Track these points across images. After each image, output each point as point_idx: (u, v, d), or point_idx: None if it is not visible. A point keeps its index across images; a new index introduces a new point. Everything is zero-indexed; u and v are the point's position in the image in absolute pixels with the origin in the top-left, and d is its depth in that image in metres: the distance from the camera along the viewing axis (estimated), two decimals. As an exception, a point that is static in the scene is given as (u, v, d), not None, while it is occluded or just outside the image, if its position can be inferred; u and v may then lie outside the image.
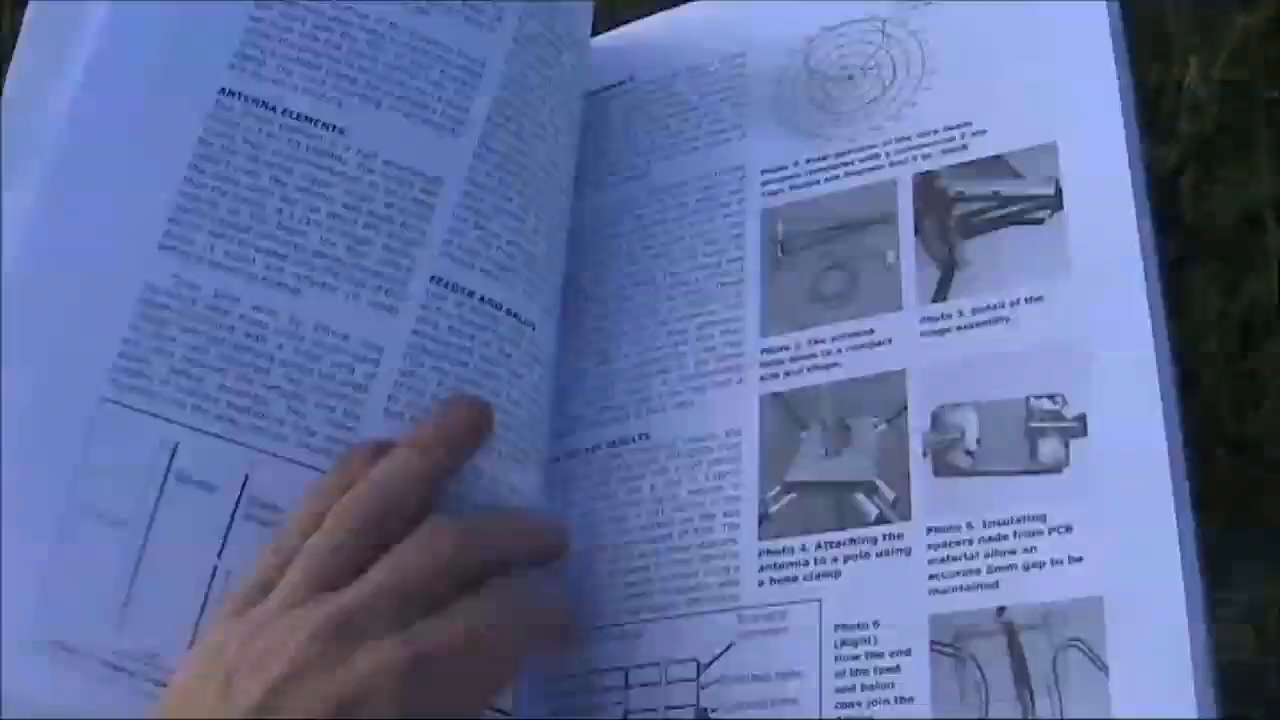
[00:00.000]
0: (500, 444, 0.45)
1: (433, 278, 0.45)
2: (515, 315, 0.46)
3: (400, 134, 0.45)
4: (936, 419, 0.43)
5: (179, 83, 0.45)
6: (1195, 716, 0.37)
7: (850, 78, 0.50)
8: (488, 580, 0.41)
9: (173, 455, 0.42)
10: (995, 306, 0.44)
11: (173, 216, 0.44)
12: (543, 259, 0.48)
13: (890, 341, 0.45)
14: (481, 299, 0.45)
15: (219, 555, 0.42)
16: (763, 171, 0.50)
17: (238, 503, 0.42)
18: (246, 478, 0.42)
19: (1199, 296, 0.51)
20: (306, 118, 0.45)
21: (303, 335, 0.43)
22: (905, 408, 0.44)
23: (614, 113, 0.54)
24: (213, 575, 0.42)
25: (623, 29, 0.55)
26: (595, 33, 0.54)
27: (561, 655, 0.45)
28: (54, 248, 0.44)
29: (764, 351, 0.47)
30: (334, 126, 0.45)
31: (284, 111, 0.45)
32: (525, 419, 0.46)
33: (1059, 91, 0.46)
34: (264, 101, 0.45)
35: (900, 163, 0.47)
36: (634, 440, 0.48)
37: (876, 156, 0.48)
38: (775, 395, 0.46)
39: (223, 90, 0.45)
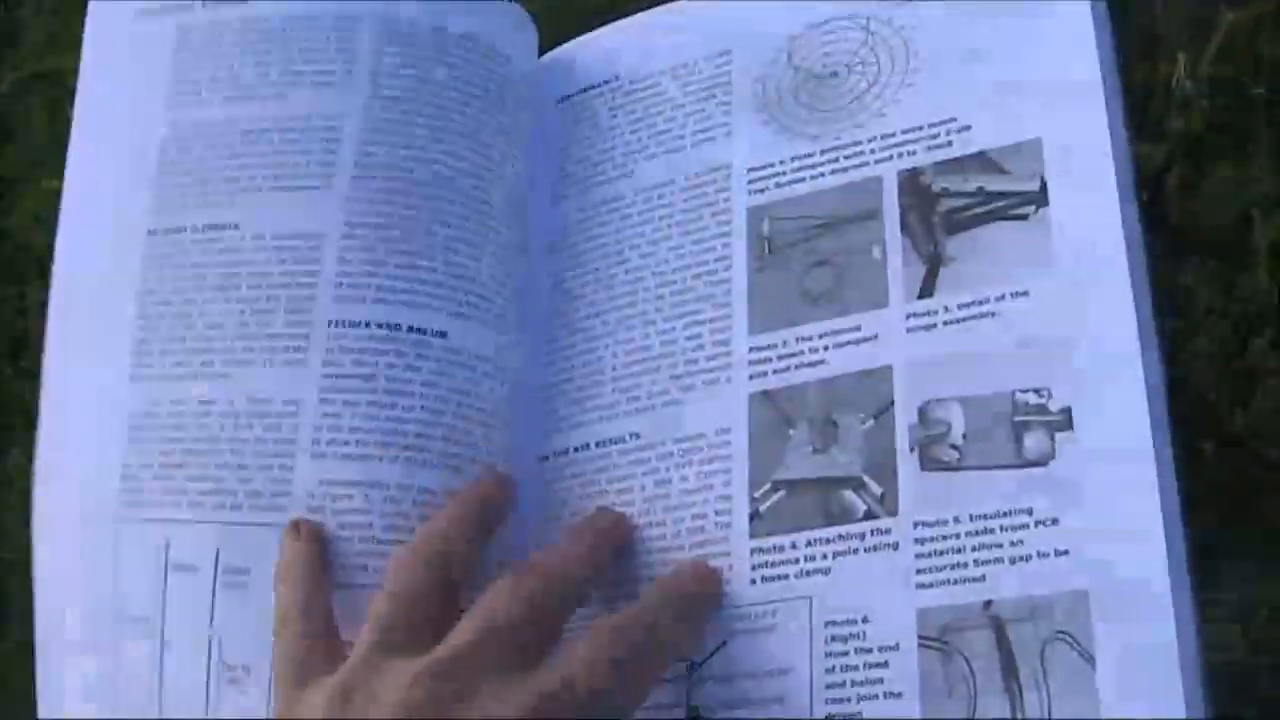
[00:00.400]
0: (427, 454, 0.47)
1: (330, 322, 0.48)
2: (418, 330, 0.48)
3: (280, 208, 0.50)
4: (922, 414, 0.43)
5: (123, 233, 0.51)
6: (1184, 716, 0.37)
7: (835, 75, 0.50)
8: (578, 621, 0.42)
9: (167, 550, 0.47)
10: (980, 302, 0.44)
11: (134, 350, 0.49)
12: (450, 270, 0.50)
13: (876, 338, 0.45)
14: (378, 325, 0.48)
15: (210, 625, 0.46)
16: (749, 170, 0.50)
17: (215, 575, 0.47)
18: (218, 551, 0.47)
19: (1189, 294, 0.51)
20: (209, 226, 0.50)
21: (239, 411, 0.48)
22: (891, 403, 0.44)
23: (600, 112, 0.54)
24: (209, 645, 0.46)
25: (609, 27, 0.55)
26: (593, 28, 0.55)
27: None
28: (69, 398, 0.51)
29: (752, 350, 0.47)
30: (230, 224, 0.50)
31: (191, 229, 0.50)
32: (460, 423, 0.48)
33: (1043, 87, 0.46)
34: (177, 228, 0.50)
35: (885, 160, 0.47)
36: (624, 440, 0.48)
37: (861, 154, 0.48)
38: (764, 394, 0.46)
39: (149, 231, 0.51)
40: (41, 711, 0.48)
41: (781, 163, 0.49)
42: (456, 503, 0.46)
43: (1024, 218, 0.44)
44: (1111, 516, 0.39)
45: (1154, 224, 0.52)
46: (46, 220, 0.68)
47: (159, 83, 0.52)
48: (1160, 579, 0.38)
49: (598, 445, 0.48)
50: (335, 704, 0.38)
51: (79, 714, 0.48)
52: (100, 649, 0.47)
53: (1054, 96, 0.45)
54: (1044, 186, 0.44)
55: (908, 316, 0.45)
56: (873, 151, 0.48)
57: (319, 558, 0.45)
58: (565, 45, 0.56)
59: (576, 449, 0.49)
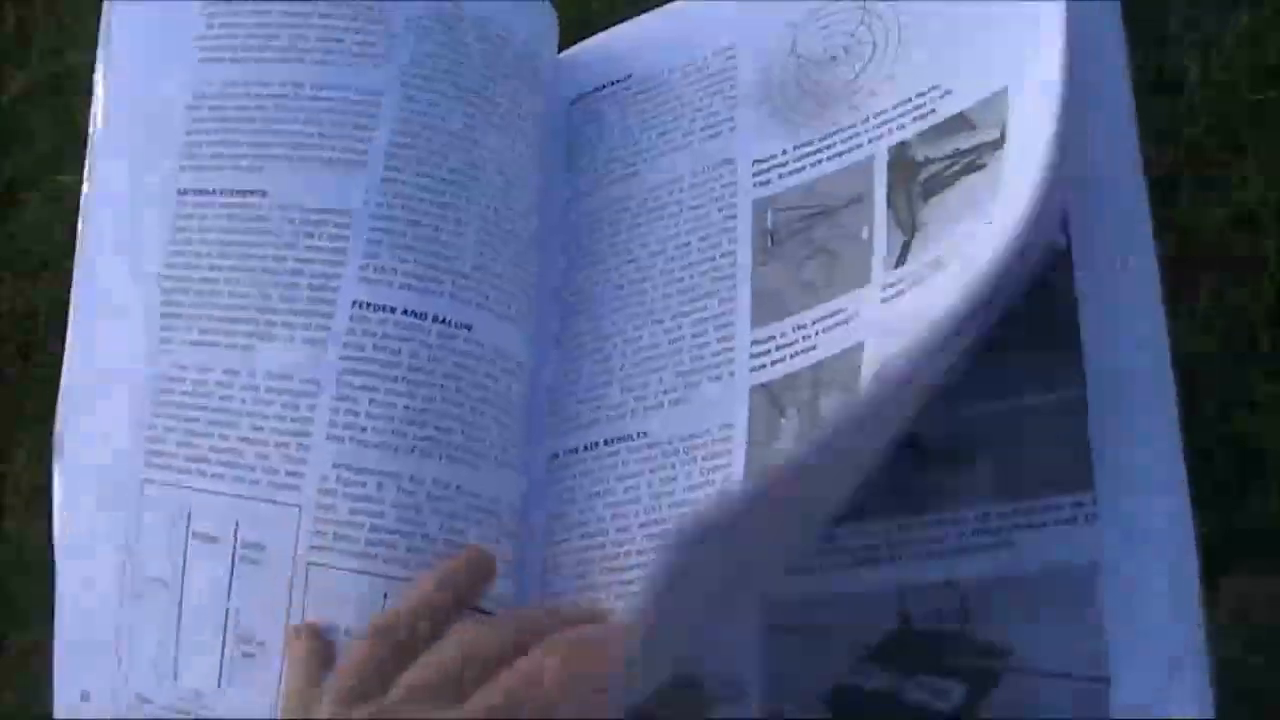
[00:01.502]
0: (444, 446, 0.47)
1: (354, 303, 0.48)
2: (443, 321, 0.48)
3: (311, 180, 0.49)
4: None
5: (153, 191, 0.50)
6: (1197, 717, 0.37)
7: (834, 59, 0.50)
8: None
9: (189, 517, 0.47)
10: (938, 256, 0.43)
11: (162, 313, 0.49)
12: (477, 263, 0.50)
13: (857, 315, 0.45)
14: (404, 312, 0.48)
15: (228, 598, 0.46)
16: (754, 162, 0.50)
17: (234, 548, 0.47)
18: (237, 524, 0.47)
19: (1197, 295, 0.51)
20: (236, 191, 0.50)
21: (258, 385, 0.48)
22: (860, 377, 0.43)
23: (610, 112, 0.54)
24: (226, 616, 0.46)
25: (623, 25, 0.55)
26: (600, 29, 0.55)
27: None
28: (96, 359, 0.50)
29: (754, 343, 0.47)
30: (258, 191, 0.49)
31: (219, 192, 0.50)
32: (479, 419, 0.48)
33: (1013, 36, 0.44)
34: (205, 189, 0.50)
35: (877, 138, 0.47)
36: (632, 438, 0.48)
37: (856, 135, 0.48)
38: (763, 385, 0.46)
39: (180, 191, 0.50)
40: (58, 683, 0.48)
41: (785, 153, 0.49)
42: (434, 583, 0.45)
43: (983, 166, 0.44)
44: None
45: (1163, 227, 0.52)
46: (56, 222, 0.68)
47: (188, 37, 0.51)
48: (1161, 572, 0.38)
49: (606, 444, 0.48)
50: None
51: (93, 682, 0.48)
52: (119, 608, 0.48)
53: (1022, 43, 0.43)
54: (1004, 133, 0.43)
55: (882, 289, 0.44)
56: (866, 132, 0.47)
57: (319, 652, 0.46)
58: (575, 46, 0.56)
59: (585, 448, 0.49)
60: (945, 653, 0.40)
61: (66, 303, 0.61)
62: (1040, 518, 0.40)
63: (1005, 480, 0.41)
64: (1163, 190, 0.53)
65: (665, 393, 0.48)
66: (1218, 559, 0.46)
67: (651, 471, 0.47)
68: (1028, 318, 0.42)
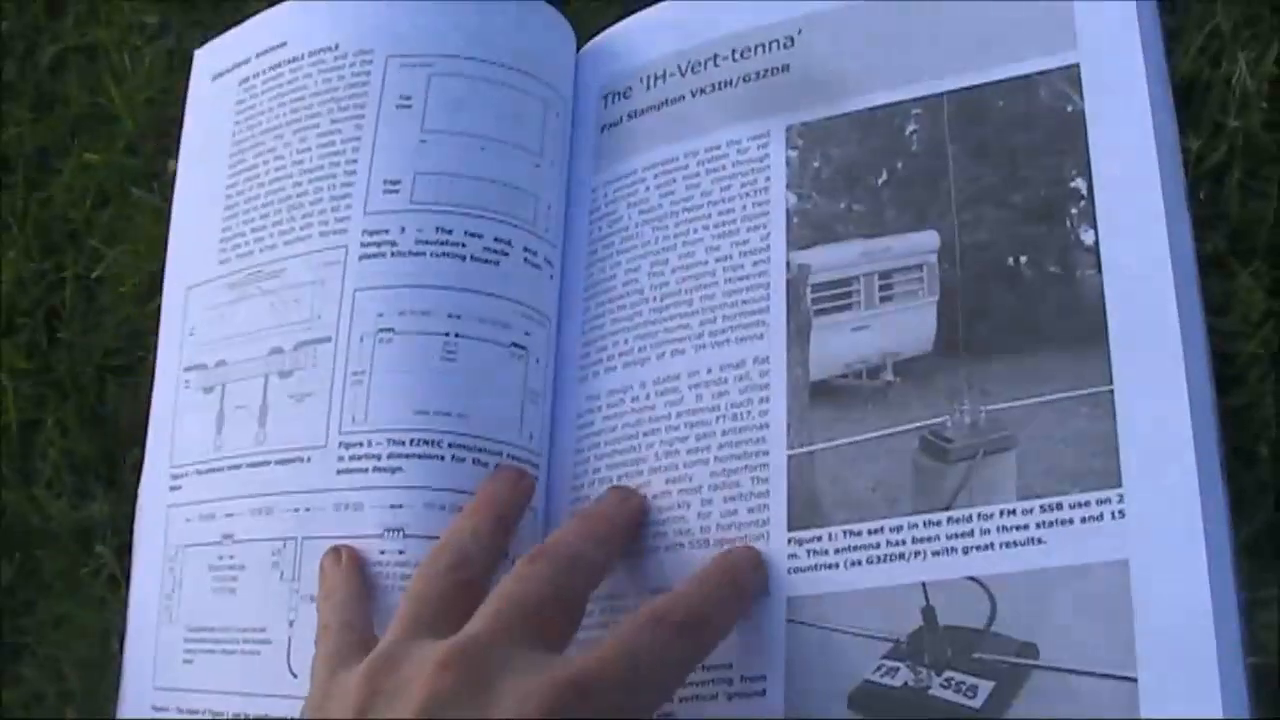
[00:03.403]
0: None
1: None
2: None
3: None
4: None
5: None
6: (1223, 716, 0.36)
7: None
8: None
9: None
10: None
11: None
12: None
13: None
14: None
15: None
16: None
17: None
18: None
19: (1245, 295, 0.49)
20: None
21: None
22: None
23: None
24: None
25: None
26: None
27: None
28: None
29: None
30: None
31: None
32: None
33: None
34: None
35: None
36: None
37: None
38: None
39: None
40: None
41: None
42: (475, 504, 0.45)
43: None
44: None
45: (1210, 224, 0.50)
46: (84, 193, 0.68)
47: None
48: (1199, 578, 0.37)
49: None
50: (364, 685, 0.38)
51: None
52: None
53: None
54: None
55: None
56: None
57: (360, 583, 0.45)
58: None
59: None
60: (972, 650, 0.39)
61: (93, 276, 0.61)
62: (1068, 514, 0.39)
63: (1032, 477, 0.40)
64: (1210, 185, 0.52)
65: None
66: (1266, 561, 0.44)
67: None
68: (1056, 314, 0.42)
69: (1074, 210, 0.43)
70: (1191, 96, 0.52)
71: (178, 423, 0.52)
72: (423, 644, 0.38)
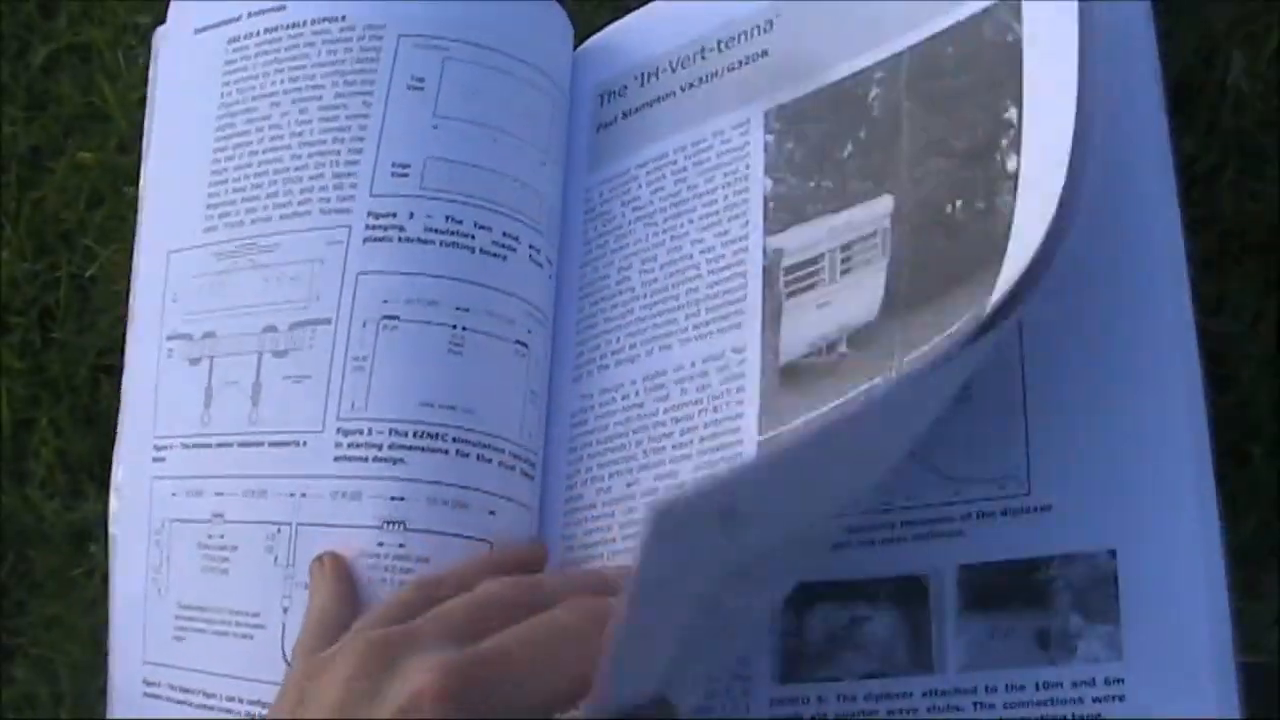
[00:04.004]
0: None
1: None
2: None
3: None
4: None
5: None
6: (1215, 716, 0.35)
7: None
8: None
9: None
10: None
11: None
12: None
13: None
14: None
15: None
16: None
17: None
18: None
19: (1239, 295, 0.49)
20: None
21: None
22: None
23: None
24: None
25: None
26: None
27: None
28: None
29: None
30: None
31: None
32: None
33: None
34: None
35: None
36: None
37: None
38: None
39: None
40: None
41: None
42: (490, 558, 0.45)
43: None
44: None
45: (1205, 223, 0.50)
46: (77, 193, 0.68)
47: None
48: (1193, 575, 0.37)
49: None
50: (307, 669, 0.39)
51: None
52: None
53: None
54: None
55: None
56: None
57: (349, 592, 0.45)
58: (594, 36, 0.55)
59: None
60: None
61: (86, 275, 0.61)
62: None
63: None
64: (1204, 184, 0.52)
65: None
66: (1258, 561, 0.44)
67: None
68: (972, 247, 0.41)
69: (1004, 141, 0.41)
70: (1186, 97, 0.52)
71: (160, 392, 0.51)
72: (356, 637, 0.39)
